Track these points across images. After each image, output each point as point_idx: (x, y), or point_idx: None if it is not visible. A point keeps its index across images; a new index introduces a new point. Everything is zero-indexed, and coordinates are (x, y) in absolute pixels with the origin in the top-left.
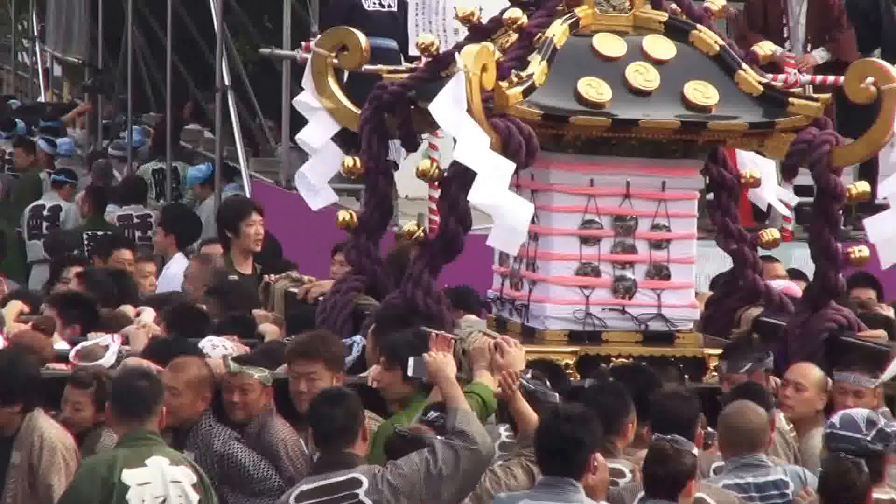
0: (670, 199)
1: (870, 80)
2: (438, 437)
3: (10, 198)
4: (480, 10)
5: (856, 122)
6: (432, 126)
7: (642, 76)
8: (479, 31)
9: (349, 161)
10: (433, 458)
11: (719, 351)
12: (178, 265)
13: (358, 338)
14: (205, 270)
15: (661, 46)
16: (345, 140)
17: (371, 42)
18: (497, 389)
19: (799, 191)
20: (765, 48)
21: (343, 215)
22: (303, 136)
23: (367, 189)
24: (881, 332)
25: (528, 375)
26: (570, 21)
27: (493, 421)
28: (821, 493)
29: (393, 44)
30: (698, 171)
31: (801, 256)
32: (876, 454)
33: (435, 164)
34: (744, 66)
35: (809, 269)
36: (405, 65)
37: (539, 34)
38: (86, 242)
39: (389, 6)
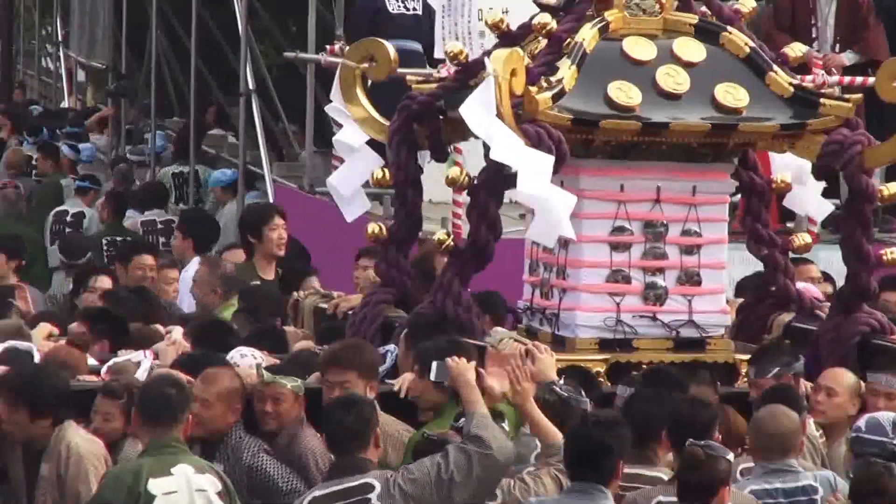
0: (701, 203)
1: None
2: (453, 443)
3: (31, 203)
4: (506, 11)
5: (887, 122)
6: (462, 136)
7: (672, 79)
8: (508, 38)
9: (378, 172)
10: (444, 463)
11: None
12: (195, 269)
13: (392, 346)
14: (213, 275)
15: (692, 49)
16: (378, 147)
17: (395, 45)
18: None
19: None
20: (796, 50)
21: (372, 227)
22: (340, 138)
23: (395, 200)
24: None
25: (561, 381)
26: (600, 25)
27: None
28: (852, 498)
29: (417, 46)
30: (729, 175)
31: (826, 259)
32: None
33: (464, 172)
34: (774, 67)
35: (835, 271)
36: (429, 69)
37: (568, 39)
38: (105, 248)
39: (414, 9)
